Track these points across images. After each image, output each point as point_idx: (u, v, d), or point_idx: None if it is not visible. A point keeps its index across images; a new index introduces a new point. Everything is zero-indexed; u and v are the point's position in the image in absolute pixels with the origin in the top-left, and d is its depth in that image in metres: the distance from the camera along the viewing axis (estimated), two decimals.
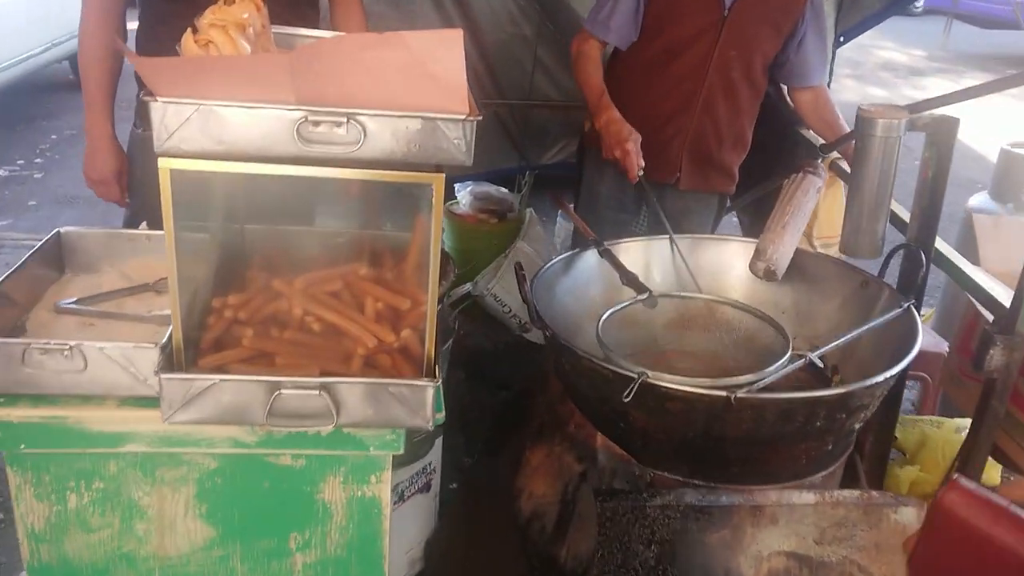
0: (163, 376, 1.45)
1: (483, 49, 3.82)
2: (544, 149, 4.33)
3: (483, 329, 3.87)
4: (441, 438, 2.44)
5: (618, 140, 2.37)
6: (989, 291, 1.86)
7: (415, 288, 1.56)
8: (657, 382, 1.62)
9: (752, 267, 2.20)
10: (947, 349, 2.77)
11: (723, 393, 1.58)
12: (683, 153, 2.60)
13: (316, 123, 1.34)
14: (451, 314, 3.86)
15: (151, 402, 1.52)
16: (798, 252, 2.20)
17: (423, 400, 1.52)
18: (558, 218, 4.16)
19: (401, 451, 1.65)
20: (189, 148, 1.34)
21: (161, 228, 1.97)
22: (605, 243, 2.21)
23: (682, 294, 2.00)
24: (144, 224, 2.00)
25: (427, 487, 2.43)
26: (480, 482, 2.61)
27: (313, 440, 1.57)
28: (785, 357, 1.68)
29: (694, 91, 2.51)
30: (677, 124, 2.57)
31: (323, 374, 1.56)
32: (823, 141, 3.03)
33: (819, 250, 2.92)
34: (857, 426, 1.81)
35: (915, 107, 1.90)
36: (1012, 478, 2.19)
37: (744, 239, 2.37)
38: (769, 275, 2.17)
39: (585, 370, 1.75)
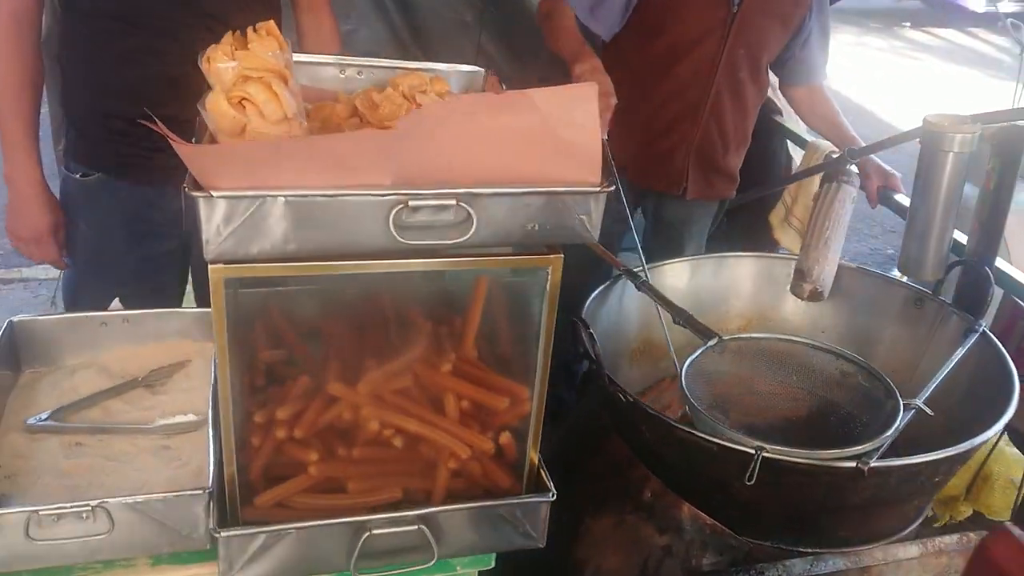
0: (223, 534, 1.14)
1: (421, 37, 3.48)
2: None
3: None
4: None
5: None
6: None
7: (511, 383, 1.30)
8: (777, 456, 1.43)
9: (795, 289, 2.04)
10: None
11: (851, 464, 1.41)
12: (688, 162, 2.40)
13: (416, 208, 1.05)
14: None
15: (196, 556, 1.21)
16: (840, 268, 2.05)
17: (537, 517, 1.28)
18: None
19: (492, 566, 1.40)
20: (248, 251, 1.03)
21: (138, 306, 1.64)
22: (640, 273, 1.99)
23: (754, 335, 1.82)
24: (116, 301, 1.63)
25: None
26: None
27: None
28: (900, 413, 1.53)
29: (701, 95, 2.31)
30: (682, 132, 2.36)
31: (405, 495, 1.29)
32: (806, 129, 2.92)
33: None
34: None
35: (983, 118, 1.77)
36: None
37: (774, 255, 2.21)
38: (815, 296, 2.02)
39: (676, 441, 1.54)
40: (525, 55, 3.57)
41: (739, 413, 1.70)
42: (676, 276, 2.16)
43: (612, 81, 2.34)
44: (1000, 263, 1.92)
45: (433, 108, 1.01)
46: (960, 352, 1.73)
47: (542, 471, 1.31)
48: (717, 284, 2.17)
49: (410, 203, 1.04)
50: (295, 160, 0.98)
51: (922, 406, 1.55)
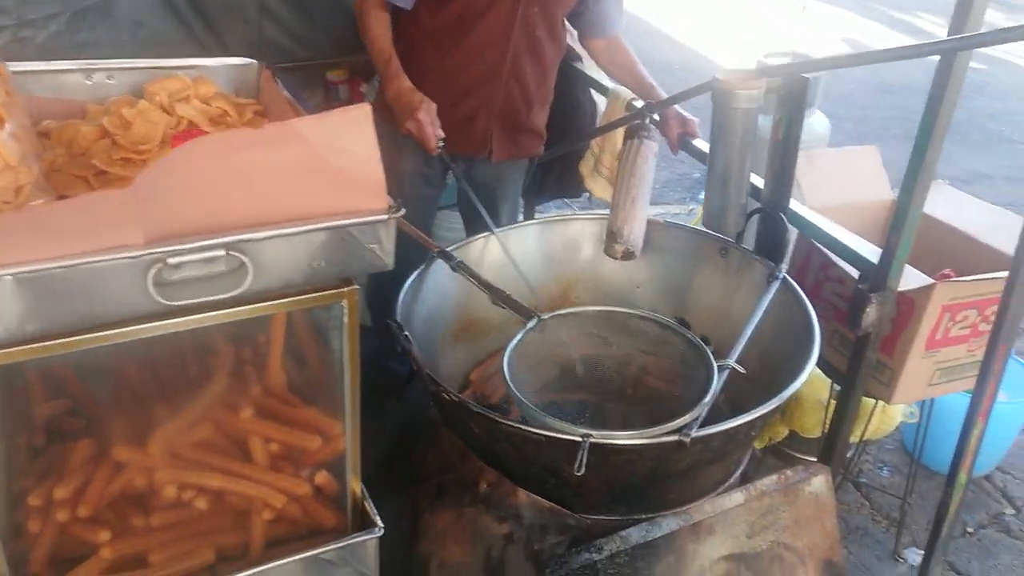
0: None
1: None
2: None
3: None
4: None
5: (408, 111, 2.06)
6: (854, 249, 1.87)
7: (323, 418, 1.21)
8: (604, 441, 1.43)
9: (608, 250, 2.04)
10: None
11: (674, 438, 1.44)
12: (492, 125, 2.34)
13: (177, 265, 0.92)
14: None
15: None
16: (649, 224, 2.07)
17: (366, 554, 1.21)
18: None
19: None
20: None
21: None
22: (453, 253, 1.93)
23: (572, 310, 1.80)
24: None
25: None
26: None
27: None
28: (715, 379, 1.56)
29: (499, 58, 2.24)
30: (482, 95, 2.29)
31: (219, 553, 1.19)
32: (604, 75, 2.91)
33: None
34: None
35: (768, 72, 1.81)
36: None
37: (585, 215, 2.20)
38: (628, 256, 2.03)
39: (504, 436, 1.51)
40: (315, 10, 3.33)
41: (564, 391, 1.70)
42: (492, 248, 2.11)
43: (413, 48, 2.23)
44: (794, 205, 2.00)
45: (178, 155, 0.88)
46: (764, 302, 1.80)
47: (367, 504, 1.24)
48: (532, 251, 2.15)
49: (169, 260, 0.91)
50: (21, 234, 0.83)
51: (734, 365, 1.60)
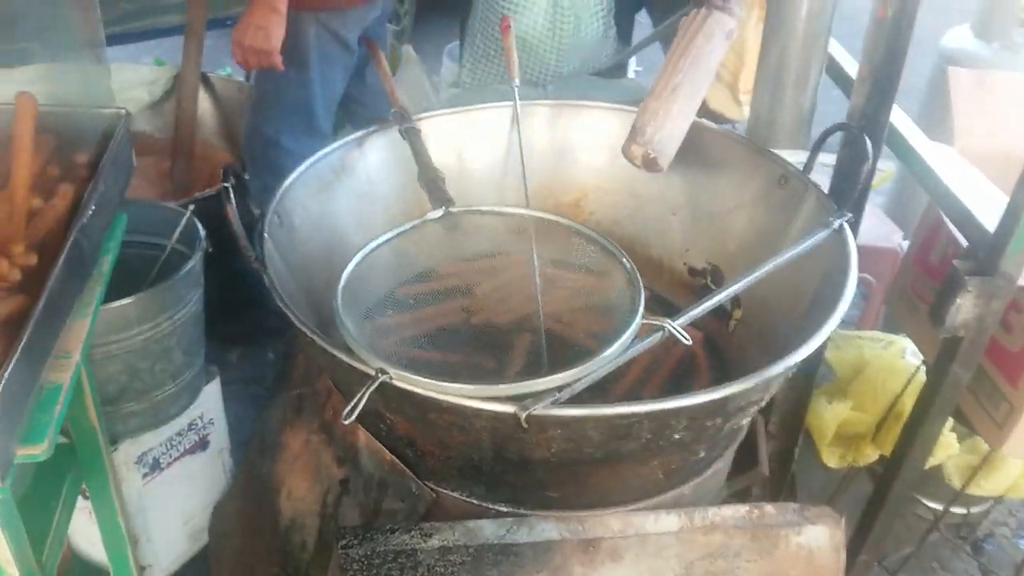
0: None
1: None
2: None
3: None
4: (216, 381, 1.82)
5: None
6: (966, 205, 1.19)
7: None
8: (405, 386, 0.96)
9: (626, 151, 1.49)
10: (902, 243, 2.14)
11: (509, 409, 0.93)
12: None
13: None
14: None
15: None
16: (697, 128, 1.48)
17: None
18: (443, 58, 3.33)
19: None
20: None
21: None
22: (414, 116, 1.49)
23: (496, 209, 1.30)
24: None
25: (202, 445, 1.84)
26: None
27: None
28: (623, 337, 1.01)
29: None
30: None
31: None
32: None
33: (744, 108, 2.21)
34: (746, 421, 1.19)
35: None
36: None
37: (624, 107, 1.64)
38: (650, 164, 1.46)
39: (318, 349, 1.09)
40: None
41: (453, 316, 1.23)
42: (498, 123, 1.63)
43: None
44: (898, 118, 1.32)
45: None
46: (787, 254, 1.19)
47: None
48: (538, 143, 1.64)
49: None
50: None
51: (674, 329, 1.03)
